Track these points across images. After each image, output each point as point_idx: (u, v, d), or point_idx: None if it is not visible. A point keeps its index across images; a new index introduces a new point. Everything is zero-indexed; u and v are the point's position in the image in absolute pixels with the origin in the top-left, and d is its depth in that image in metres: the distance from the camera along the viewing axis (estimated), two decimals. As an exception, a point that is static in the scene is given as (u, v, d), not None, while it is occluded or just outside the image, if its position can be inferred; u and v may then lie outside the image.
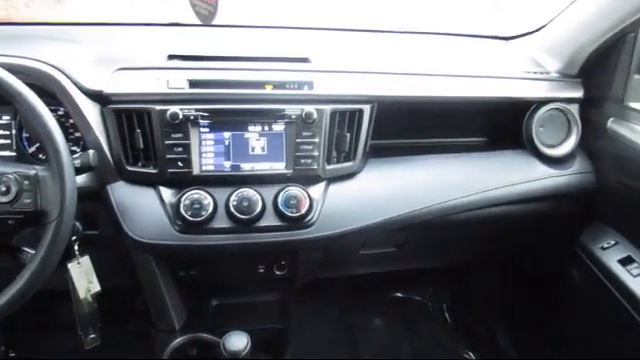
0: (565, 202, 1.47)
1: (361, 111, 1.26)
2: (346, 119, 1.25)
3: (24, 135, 1.22)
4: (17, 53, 1.13)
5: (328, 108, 1.22)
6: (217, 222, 1.16)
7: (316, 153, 1.22)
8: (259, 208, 1.17)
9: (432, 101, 1.37)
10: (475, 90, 1.38)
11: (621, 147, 1.35)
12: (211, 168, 1.19)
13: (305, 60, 1.34)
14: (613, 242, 1.39)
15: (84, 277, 1.15)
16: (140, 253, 1.26)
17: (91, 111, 1.14)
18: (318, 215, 1.22)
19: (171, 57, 1.28)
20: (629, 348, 1.31)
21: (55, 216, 0.96)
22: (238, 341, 1.23)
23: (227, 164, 1.20)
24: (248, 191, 1.17)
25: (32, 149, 1.23)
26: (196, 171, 1.18)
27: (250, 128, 1.21)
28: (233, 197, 1.16)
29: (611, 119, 1.39)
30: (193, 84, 1.18)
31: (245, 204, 1.16)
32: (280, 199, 1.18)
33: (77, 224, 1.12)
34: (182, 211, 1.13)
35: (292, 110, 1.20)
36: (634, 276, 1.29)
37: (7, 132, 1.23)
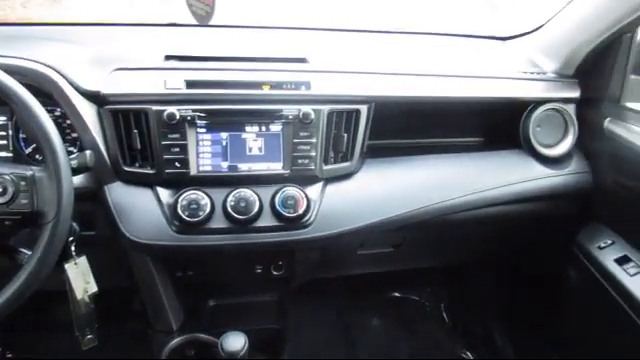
0: (562, 202, 1.47)
1: (358, 111, 1.26)
2: (343, 119, 1.25)
3: (21, 136, 1.22)
4: (13, 54, 1.13)
5: (325, 108, 1.22)
6: (214, 222, 1.16)
7: (313, 153, 1.22)
8: (256, 208, 1.17)
9: (429, 101, 1.37)
10: (472, 90, 1.38)
11: (618, 147, 1.35)
12: (208, 168, 1.19)
13: (302, 60, 1.34)
14: (610, 242, 1.39)
15: (81, 278, 1.14)
16: (137, 254, 1.26)
17: (88, 111, 1.14)
18: (315, 215, 1.22)
19: (168, 57, 1.28)
20: (626, 347, 1.31)
21: (52, 217, 0.95)
22: (235, 341, 1.23)
23: (224, 164, 1.20)
24: (245, 191, 1.17)
25: (29, 150, 1.23)
26: (193, 171, 1.18)
27: (247, 128, 1.20)
28: (230, 197, 1.16)
29: (608, 119, 1.39)
30: (190, 84, 1.18)
31: (242, 204, 1.16)
32: (277, 199, 1.18)
33: (74, 225, 1.11)
34: (179, 211, 1.13)
35: (289, 110, 1.20)
36: (631, 275, 1.29)
37: (4, 133, 1.22)
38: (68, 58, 1.19)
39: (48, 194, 0.97)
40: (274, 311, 1.61)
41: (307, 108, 1.20)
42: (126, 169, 1.17)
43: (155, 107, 1.14)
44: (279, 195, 1.19)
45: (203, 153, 1.18)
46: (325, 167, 1.24)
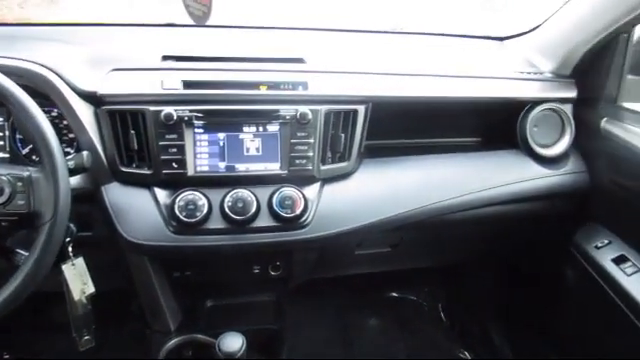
0: (559, 202, 1.48)
1: (356, 111, 1.26)
2: (341, 119, 1.25)
3: (17, 136, 1.22)
4: (10, 54, 1.13)
5: (323, 108, 1.22)
6: (212, 223, 1.16)
7: (311, 153, 1.22)
8: (254, 209, 1.16)
9: (426, 101, 1.37)
10: (469, 90, 1.39)
11: (614, 147, 1.35)
12: (206, 169, 1.19)
13: (300, 60, 1.34)
14: (607, 241, 1.39)
15: (78, 279, 1.14)
16: (134, 254, 1.26)
17: (85, 112, 1.14)
18: (313, 215, 1.22)
19: (165, 58, 1.28)
20: (623, 346, 1.32)
21: (49, 217, 0.95)
22: (233, 342, 1.23)
23: (222, 165, 1.20)
24: (243, 192, 1.17)
25: (25, 150, 1.22)
26: (191, 172, 1.18)
27: (245, 129, 1.20)
28: (228, 198, 1.16)
29: (604, 119, 1.39)
30: (187, 85, 1.18)
31: (240, 205, 1.16)
32: (275, 200, 1.18)
33: (71, 225, 1.12)
34: (177, 212, 1.13)
35: (287, 111, 1.20)
36: (628, 275, 1.30)
37: (0, 134, 1.22)
38: (65, 58, 1.19)
39: (45, 195, 0.97)
40: (272, 311, 1.61)
41: (304, 108, 1.20)
42: (123, 170, 1.16)
43: (152, 107, 1.14)
44: (277, 195, 1.19)
45: (200, 153, 1.18)
46: (323, 167, 1.24)
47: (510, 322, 1.89)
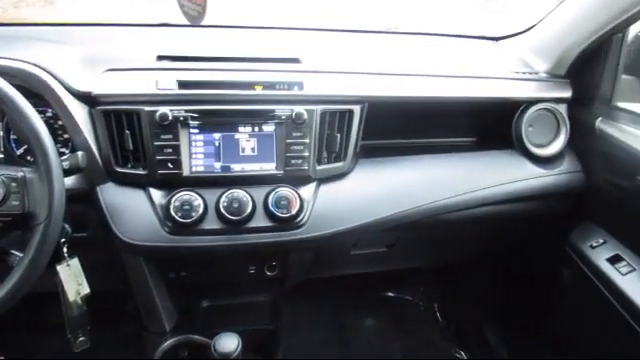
0: (554, 201, 1.48)
1: (351, 111, 1.26)
2: (336, 119, 1.25)
3: (12, 137, 1.21)
4: (4, 54, 1.12)
5: (318, 108, 1.22)
6: (207, 223, 1.16)
7: (306, 153, 1.22)
8: (249, 209, 1.16)
9: (422, 101, 1.37)
10: (465, 90, 1.39)
11: (609, 147, 1.36)
12: (201, 169, 1.19)
13: (295, 60, 1.34)
14: (602, 241, 1.40)
15: (73, 279, 1.14)
16: (130, 255, 1.25)
17: (79, 112, 1.13)
18: (309, 216, 1.22)
19: (160, 58, 1.28)
20: (618, 346, 1.32)
21: (43, 218, 0.95)
22: (229, 342, 1.23)
23: (217, 165, 1.19)
24: (238, 192, 1.17)
25: (20, 151, 1.22)
26: (186, 172, 1.17)
27: (240, 129, 1.20)
28: (223, 198, 1.16)
29: (599, 119, 1.40)
30: (182, 85, 1.17)
31: (235, 205, 1.16)
32: (270, 200, 1.18)
33: (66, 226, 1.11)
34: (172, 212, 1.13)
35: (282, 111, 1.20)
36: (622, 274, 1.30)
37: None
38: (59, 58, 1.18)
39: (39, 195, 0.96)
40: (268, 312, 1.61)
41: (300, 108, 1.20)
42: (118, 170, 1.16)
43: (147, 108, 1.14)
44: (272, 195, 1.18)
45: (196, 154, 1.18)
46: (318, 167, 1.24)
47: (506, 322, 1.89)
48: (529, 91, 1.43)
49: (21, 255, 0.96)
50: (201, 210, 1.14)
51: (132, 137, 1.14)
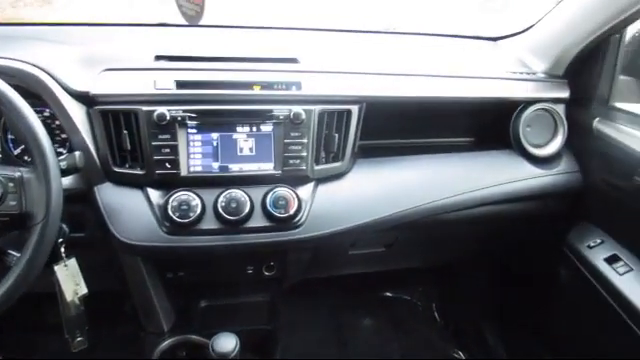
0: (552, 201, 1.48)
1: (349, 111, 1.26)
2: (334, 119, 1.25)
3: (9, 137, 1.21)
4: (1, 54, 1.12)
5: (316, 108, 1.22)
6: (205, 223, 1.16)
7: (304, 153, 1.22)
8: (247, 209, 1.16)
9: (420, 101, 1.37)
10: (463, 90, 1.39)
11: (607, 147, 1.36)
12: (199, 169, 1.18)
13: (293, 60, 1.34)
14: (599, 241, 1.40)
15: (71, 280, 1.14)
16: (127, 255, 1.25)
17: (77, 112, 1.13)
18: (307, 216, 1.22)
19: (158, 58, 1.28)
20: (616, 345, 1.32)
21: (41, 218, 0.95)
22: (227, 342, 1.23)
23: (215, 165, 1.19)
24: (236, 192, 1.17)
25: (17, 151, 1.22)
26: (184, 172, 1.17)
27: (238, 129, 1.20)
28: (221, 198, 1.16)
29: (597, 119, 1.40)
30: (180, 85, 1.17)
31: (233, 205, 1.16)
32: (269, 200, 1.18)
33: (63, 226, 1.11)
34: (170, 212, 1.13)
35: (280, 111, 1.20)
36: (620, 274, 1.30)
37: None
38: (57, 58, 1.18)
39: (37, 195, 0.96)
40: (266, 312, 1.61)
41: (298, 108, 1.20)
42: (116, 170, 1.16)
43: (145, 107, 1.13)
44: (270, 195, 1.18)
45: (194, 154, 1.18)
46: (316, 167, 1.24)
47: (504, 322, 1.90)
48: (527, 91, 1.43)
49: (18, 255, 0.96)
50: (199, 210, 1.14)
51: (130, 137, 1.14)
